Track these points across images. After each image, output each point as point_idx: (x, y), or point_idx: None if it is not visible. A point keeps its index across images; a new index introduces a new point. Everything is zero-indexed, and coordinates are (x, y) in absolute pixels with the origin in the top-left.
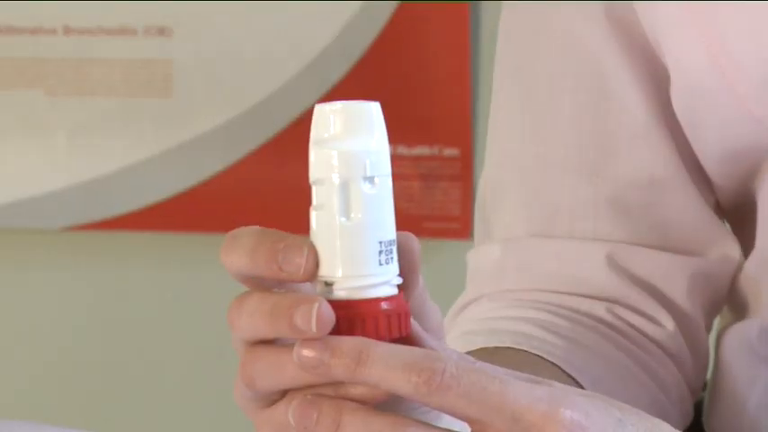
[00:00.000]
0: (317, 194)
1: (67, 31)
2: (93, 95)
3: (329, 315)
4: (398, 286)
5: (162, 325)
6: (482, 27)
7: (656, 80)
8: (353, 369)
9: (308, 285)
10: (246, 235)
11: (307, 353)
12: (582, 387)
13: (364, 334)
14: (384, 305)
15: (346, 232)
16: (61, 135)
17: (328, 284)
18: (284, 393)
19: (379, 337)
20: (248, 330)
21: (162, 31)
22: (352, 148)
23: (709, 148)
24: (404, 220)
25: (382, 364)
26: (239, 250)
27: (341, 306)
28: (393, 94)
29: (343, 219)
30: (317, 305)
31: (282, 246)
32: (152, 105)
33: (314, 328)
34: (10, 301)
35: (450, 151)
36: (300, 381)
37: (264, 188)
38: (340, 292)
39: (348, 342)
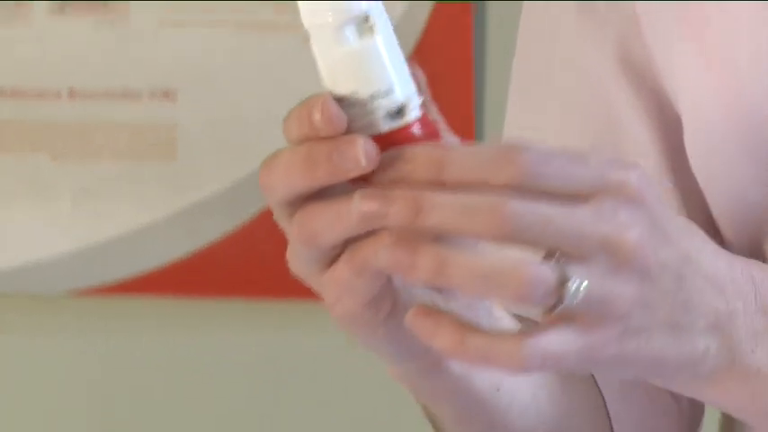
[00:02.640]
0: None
1: (72, 94)
2: (98, 159)
3: (373, 149)
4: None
5: (166, 388)
6: (486, 27)
7: (668, 126)
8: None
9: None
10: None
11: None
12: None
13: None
14: (416, 129)
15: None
16: (66, 199)
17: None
18: (343, 249)
19: None
20: (284, 187)
21: (167, 95)
22: None
23: (721, 203)
24: None
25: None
26: (286, 132)
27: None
28: None
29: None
30: (361, 141)
31: (305, 110)
32: (157, 169)
33: (363, 163)
34: (13, 366)
35: None
36: (363, 227)
37: (270, 251)
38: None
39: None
